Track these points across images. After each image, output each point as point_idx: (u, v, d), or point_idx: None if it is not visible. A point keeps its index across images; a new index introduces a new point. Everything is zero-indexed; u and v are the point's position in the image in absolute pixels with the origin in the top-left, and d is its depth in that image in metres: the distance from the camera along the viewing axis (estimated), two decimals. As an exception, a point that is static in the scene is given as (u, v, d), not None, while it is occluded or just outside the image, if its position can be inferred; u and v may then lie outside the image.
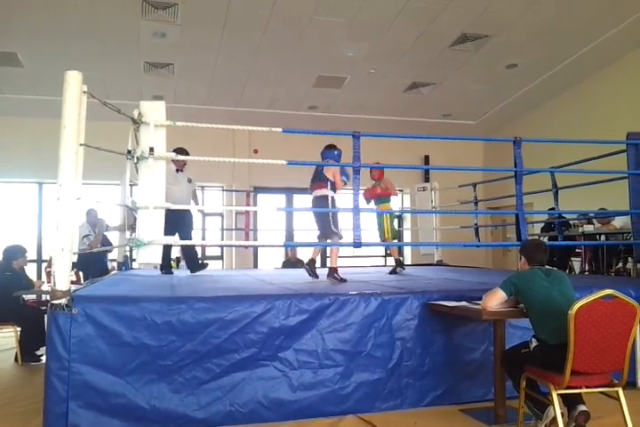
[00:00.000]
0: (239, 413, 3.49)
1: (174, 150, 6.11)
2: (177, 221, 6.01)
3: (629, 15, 7.91)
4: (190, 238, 6.48)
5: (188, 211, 6.36)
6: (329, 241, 5.50)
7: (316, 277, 5.60)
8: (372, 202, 6.74)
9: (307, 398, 3.63)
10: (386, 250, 12.16)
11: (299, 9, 7.52)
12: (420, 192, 8.85)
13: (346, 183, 5.58)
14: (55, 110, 3.72)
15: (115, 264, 8.35)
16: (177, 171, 6.51)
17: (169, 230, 6.13)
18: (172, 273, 6.54)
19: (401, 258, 6.75)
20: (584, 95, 10.16)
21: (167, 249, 6.50)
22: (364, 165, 4.63)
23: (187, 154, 6.07)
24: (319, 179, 5.58)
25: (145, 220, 3.93)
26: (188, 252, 6.89)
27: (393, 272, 6.61)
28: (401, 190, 10.59)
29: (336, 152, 5.64)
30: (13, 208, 11.01)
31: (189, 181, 6.63)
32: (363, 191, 6.55)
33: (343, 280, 5.29)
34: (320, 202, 5.52)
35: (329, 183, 5.51)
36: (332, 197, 5.52)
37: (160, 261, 4.53)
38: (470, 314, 3.59)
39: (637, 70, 8.98)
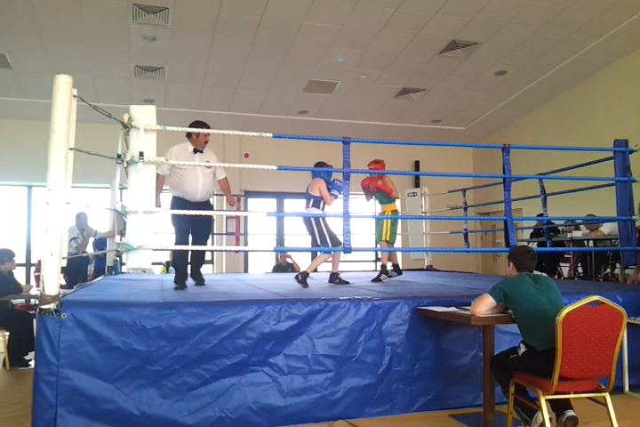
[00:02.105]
0: (229, 418, 3.48)
1: (193, 124, 4.99)
2: (189, 220, 4.96)
3: (618, 22, 8.00)
4: (204, 242, 5.26)
5: (206, 206, 5.20)
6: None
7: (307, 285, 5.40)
8: (375, 201, 6.54)
9: (297, 404, 3.63)
10: (377, 254, 12.20)
11: (289, 14, 7.55)
12: (411, 197, 8.89)
13: (337, 197, 5.56)
14: (44, 113, 3.71)
15: (93, 269, 8.26)
16: (195, 151, 5.09)
17: (180, 231, 5.07)
18: (186, 287, 5.01)
19: (389, 264, 6.62)
20: (573, 102, 10.27)
21: (181, 257, 5.27)
22: (354, 171, 4.65)
23: (207, 128, 4.95)
24: (306, 197, 5.66)
25: (134, 224, 3.91)
26: (196, 259, 5.46)
27: (389, 275, 6.51)
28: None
29: (327, 171, 5.62)
30: (2, 211, 10.92)
31: (208, 166, 5.11)
32: (362, 180, 6.41)
33: (345, 282, 5.66)
34: (305, 222, 5.56)
35: (312, 201, 5.58)
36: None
37: (149, 266, 4.20)
38: (459, 320, 3.61)
39: (626, 77, 9.09)
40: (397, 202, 6.87)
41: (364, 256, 12.13)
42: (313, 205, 5.59)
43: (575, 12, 7.68)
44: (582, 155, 5.93)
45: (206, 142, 5.14)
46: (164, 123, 4.08)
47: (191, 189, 5.09)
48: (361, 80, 9.83)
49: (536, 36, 8.30)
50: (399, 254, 7.76)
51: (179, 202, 5.10)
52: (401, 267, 6.96)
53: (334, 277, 5.78)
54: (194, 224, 5.08)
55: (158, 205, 4.92)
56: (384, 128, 11.66)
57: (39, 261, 6.60)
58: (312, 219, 5.41)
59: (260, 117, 11.02)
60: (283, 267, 9.46)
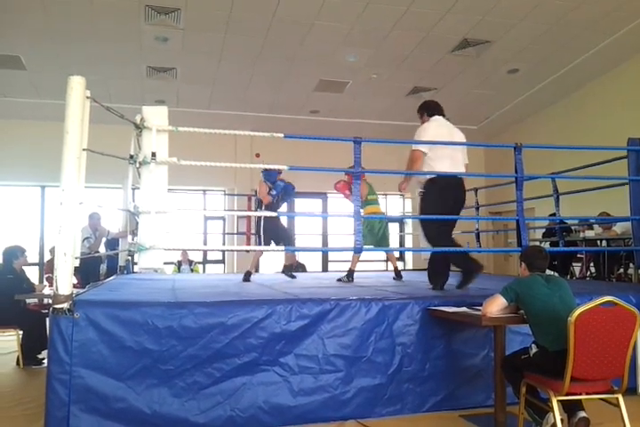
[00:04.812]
0: (240, 418, 3.49)
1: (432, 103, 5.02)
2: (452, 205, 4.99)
3: (630, 21, 7.93)
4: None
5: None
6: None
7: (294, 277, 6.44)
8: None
9: (307, 404, 3.64)
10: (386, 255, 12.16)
11: (300, 14, 7.56)
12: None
13: (273, 197, 6.10)
14: (58, 113, 3.74)
15: (105, 269, 8.27)
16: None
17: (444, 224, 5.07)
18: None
19: (354, 269, 6.40)
20: (585, 101, 10.18)
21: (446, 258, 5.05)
22: (365, 171, 4.64)
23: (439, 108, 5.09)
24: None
25: (146, 224, 3.94)
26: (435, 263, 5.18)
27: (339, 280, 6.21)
28: (385, 195, 10.61)
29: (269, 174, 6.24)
30: (16, 211, 11.02)
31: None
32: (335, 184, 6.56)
33: (247, 280, 6.06)
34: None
35: (257, 201, 6.40)
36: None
37: (160, 266, 4.28)
38: (470, 320, 3.59)
39: (639, 76, 8.99)
40: (398, 203, 6.87)
41: (374, 256, 12.09)
42: (258, 206, 6.43)
43: (588, 10, 7.61)
44: (595, 154, 5.88)
45: None
46: (175, 123, 4.10)
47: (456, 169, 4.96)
48: (372, 79, 9.81)
49: (548, 33, 8.24)
50: (409, 254, 7.74)
51: (444, 184, 4.94)
52: (411, 266, 6.96)
53: (246, 275, 6.24)
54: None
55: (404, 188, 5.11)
56: (395, 127, 11.61)
57: (51, 261, 6.65)
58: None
59: (271, 117, 11.04)
60: (293, 266, 9.45)
